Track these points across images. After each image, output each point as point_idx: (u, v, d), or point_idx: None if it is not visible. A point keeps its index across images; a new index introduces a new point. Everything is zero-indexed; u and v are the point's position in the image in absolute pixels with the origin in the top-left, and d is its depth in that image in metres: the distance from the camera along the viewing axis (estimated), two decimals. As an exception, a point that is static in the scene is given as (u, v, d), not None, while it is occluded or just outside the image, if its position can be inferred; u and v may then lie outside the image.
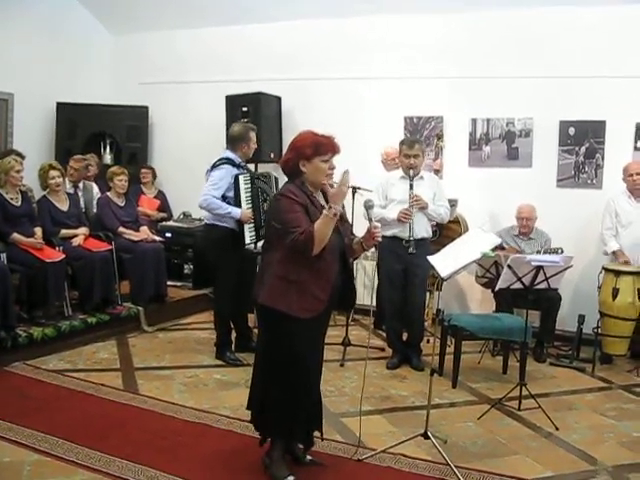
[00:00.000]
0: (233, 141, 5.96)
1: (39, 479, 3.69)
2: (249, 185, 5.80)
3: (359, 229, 3.77)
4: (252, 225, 5.78)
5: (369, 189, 6.24)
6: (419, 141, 6.14)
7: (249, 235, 5.79)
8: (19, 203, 6.22)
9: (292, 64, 8.26)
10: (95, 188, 7.69)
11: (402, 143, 6.10)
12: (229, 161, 5.84)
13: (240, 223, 5.76)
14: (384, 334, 6.58)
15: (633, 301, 6.09)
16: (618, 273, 6.16)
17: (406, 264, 5.86)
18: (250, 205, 5.76)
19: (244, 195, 5.76)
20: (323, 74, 8.14)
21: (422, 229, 5.89)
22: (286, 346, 3.59)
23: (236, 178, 5.76)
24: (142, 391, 5.19)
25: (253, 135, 5.99)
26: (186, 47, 8.98)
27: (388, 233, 5.78)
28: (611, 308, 6.17)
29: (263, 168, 7.63)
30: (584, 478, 3.96)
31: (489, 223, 7.13)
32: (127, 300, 7.07)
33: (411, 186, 5.80)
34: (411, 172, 5.82)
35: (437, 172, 7.01)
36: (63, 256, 6.24)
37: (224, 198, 5.75)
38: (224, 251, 5.84)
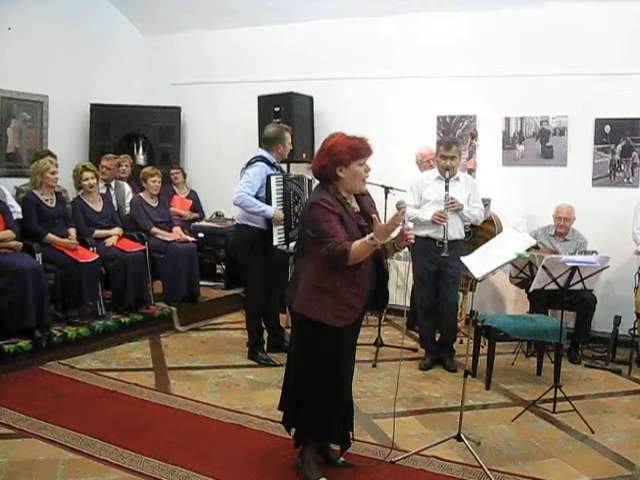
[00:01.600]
0: (268, 141, 5.94)
1: (73, 478, 3.72)
2: (281, 186, 5.78)
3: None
4: (282, 226, 5.76)
5: (402, 189, 6.20)
6: (457, 142, 6.07)
7: (278, 236, 5.76)
8: (54, 204, 6.29)
9: (323, 64, 8.26)
10: (127, 187, 7.75)
11: (439, 144, 6.06)
12: (264, 160, 5.83)
13: (270, 223, 5.74)
14: (417, 335, 6.54)
15: (670, 302, 5.99)
16: (655, 274, 6.06)
17: (439, 265, 5.81)
18: (281, 206, 5.75)
19: (275, 196, 5.74)
20: (354, 74, 8.12)
21: (455, 231, 5.84)
22: (321, 353, 3.58)
23: (268, 178, 5.74)
24: (174, 391, 5.21)
25: (288, 136, 5.98)
26: (217, 48, 9.03)
27: (422, 234, 5.76)
28: (648, 309, 6.07)
29: (295, 168, 7.66)
30: (621, 483, 3.90)
31: (524, 223, 7.04)
32: (160, 300, 7.12)
33: (447, 187, 5.74)
34: (447, 173, 5.77)
35: (471, 171, 6.94)
36: (97, 256, 6.30)
37: (256, 197, 5.74)
38: (255, 251, 5.85)
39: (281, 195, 5.77)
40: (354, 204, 3.66)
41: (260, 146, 6.08)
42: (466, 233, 6.12)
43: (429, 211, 5.76)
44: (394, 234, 3.42)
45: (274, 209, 5.70)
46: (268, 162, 5.84)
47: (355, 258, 3.37)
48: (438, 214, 5.69)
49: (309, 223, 3.53)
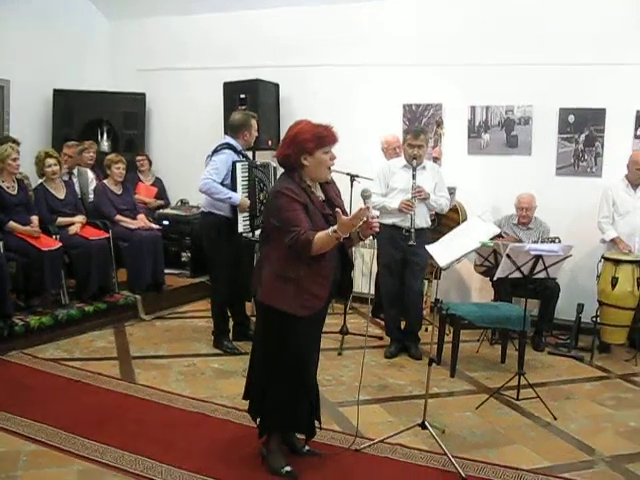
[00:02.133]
0: (234, 128, 5.89)
1: (35, 469, 3.68)
2: (247, 173, 5.75)
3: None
4: (247, 213, 5.73)
5: (368, 177, 6.20)
6: (424, 131, 6.06)
7: (243, 223, 5.73)
8: (15, 191, 6.19)
9: (290, 51, 8.20)
10: (90, 174, 7.63)
11: (407, 132, 6.08)
12: (230, 147, 5.79)
13: (235, 211, 5.71)
14: (382, 323, 6.57)
15: (632, 290, 6.07)
16: (617, 262, 6.13)
17: (405, 253, 5.83)
18: (246, 193, 5.72)
19: (241, 183, 5.71)
20: (321, 61, 8.08)
21: (422, 219, 5.86)
22: (285, 342, 3.56)
23: (234, 165, 5.70)
24: (139, 380, 5.17)
25: (254, 123, 5.94)
26: (184, 33, 8.92)
27: (388, 222, 5.77)
28: (610, 297, 6.15)
29: (261, 155, 7.61)
30: (582, 468, 3.95)
31: (489, 212, 7.08)
32: (124, 288, 7.05)
33: (414, 176, 5.75)
34: (414, 162, 5.77)
35: (436, 160, 6.95)
36: (60, 244, 6.22)
37: (222, 185, 5.69)
38: (220, 239, 5.80)
39: (247, 182, 5.74)
40: (319, 192, 3.64)
41: (226, 133, 6.03)
42: (431, 221, 6.14)
43: (396, 199, 5.77)
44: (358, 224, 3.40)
45: (240, 196, 5.67)
46: (234, 149, 5.80)
47: (318, 249, 3.36)
48: (405, 202, 5.70)
49: (273, 212, 3.50)
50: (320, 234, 3.34)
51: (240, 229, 5.73)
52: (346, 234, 3.35)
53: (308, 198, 3.50)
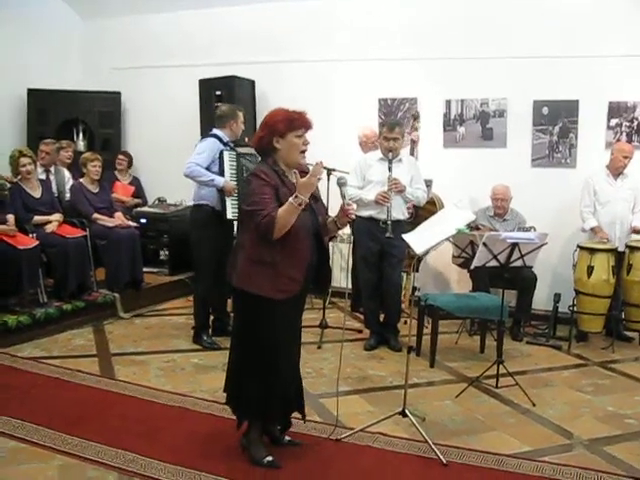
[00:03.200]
0: (221, 119, 5.95)
1: (15, 465, 3.65)
2: (234, 162, 5.80)
3: (334, 211, 3.75)
4: (235, 201, 5.72)
5: (345, 171, 6.20)
6: (400, 124, 6.10)
7: (231, 209, 5.73)
8: (-11, 191, 6.14)
9: (266, 47, 8.21)
10: (67, 173, 7.58)
11: (382, 125, 6.13)
12: (215, 136, 5.85)
13: (223, 199, 5.72)
14: (362, 316, 6.59)
15: (607, 278, 6.15)
16: (593, 251, 6.20)
17: (382, 244, 5.85)
18: (235, 181, 5.74)
19: (229, 171, 5.75)
20: (297, 57, 8.09)
21: (398, 211, 5.88)
22: (261, 328, 3.58)
23: (221, 153, 5.75)
24: (119, 376, 5.15)
25: (241, 114, 6.01)
26: (158, 31, 8.88)
27: (365, 214, 5.80)
28: (586, 286, 6.22)
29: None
30: (561, 452, 4.00)
31: (466, 200, 7.11)
32: (103, 287, 7.00)
33: (390, 169, 5.77)
34: (390, 154, 5.80)
35: (414, 143, 6.91)
36: (37, 243, 6.17)
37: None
38: (207, 231, 5.82)
39: (235, 171, 5.78)
40: (294, 180, 3.64)
41: (215, 126, 6.05)
42: (409, 214, 6.17)
43: (372, 192, 5.80)
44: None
45: (224, 179, 5.68)
46: (220, 139, 5.84)
47: (282, 224, 3.36)
48: (381, 194, 5.72)
49: (245, 196, 3.54)
50: (281, 209, 3.37)
51: (229, 215, 5.71)
52: (306, 196, 3.35)
53: (280, 181, 3.52)
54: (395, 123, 6.02)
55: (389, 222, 5.67)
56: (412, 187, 5.95)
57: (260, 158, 5.87)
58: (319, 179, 3.42)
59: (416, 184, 6.01)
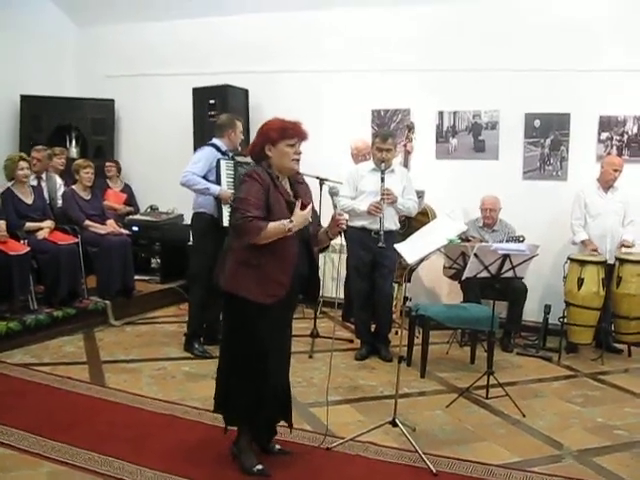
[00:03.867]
0: (219, 128, 6.00)
1: (4, 472, 3.63)
2: (232, 171, 5.83)
3: (326, 221, 3.78)
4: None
5: (338, 182, 6.22)
6: (393, 135, 6.13)
7: (228, 218, 5.70)
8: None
9: (260, 57, 8.23)
10: (59, 180, 7.57)
11: (375, 136, 6.15)
12: (213, 145, 5.89)
13: (220, 206, 5.74)
14: (353, 326, 6.60)
15: (598, 291, 6.18)
16: (583, 263, 6.23)
17: (374, 255, 5.86)
18: (232, 190, 5.73)
19: (226, 180, 5.77)
20: (291, 67, 8.12)
21: (390, 222, 5.90)
22: (248, 332, 3.59)
23: (218, 162, 5.79)
24: (109, 384, 5.14)
25: (239, 124, 6.05)
26: (153, 40, 8.89)
27: (357, 224, 5.82)
28: (576, 298, 6.24)
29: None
30: (551, 462, 4.01)
31: (458, 211, 7.13)
32: (94, 294, 6.99)
33: (382, 179, 5.79)
34: (382, 165, 5.82)
35: (408, 154, 6.92)
36: (28, 249, 6.16)
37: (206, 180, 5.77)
38: (205, 239, 5.84)
39: (232, 179, 5.80)
40: (286, 186, 3.69)
41: (214, 136, 6.07)
42: (401, 225, 6.19)
43: (365, 202, 5.82)
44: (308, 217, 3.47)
45: (220, 187, 5.71)
46: (217, 148, 5.88)
47: (267, 237, 3.43)
48: (374, 205, 5.74)
49: (236, 193, 3.59)
50: (274, 223, 3.44)
51: (225, 223, 5.66)
52: (298, 227, 3.45)
53: (272, 182, 3.56)
54: (388, 134, 6.05)
55: (381, 232, 5.68)
56: (404, 197, 5.97)
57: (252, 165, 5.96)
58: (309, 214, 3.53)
59: (408, 195, 6.03)
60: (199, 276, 5.94)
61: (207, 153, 5.83)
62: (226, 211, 5.71)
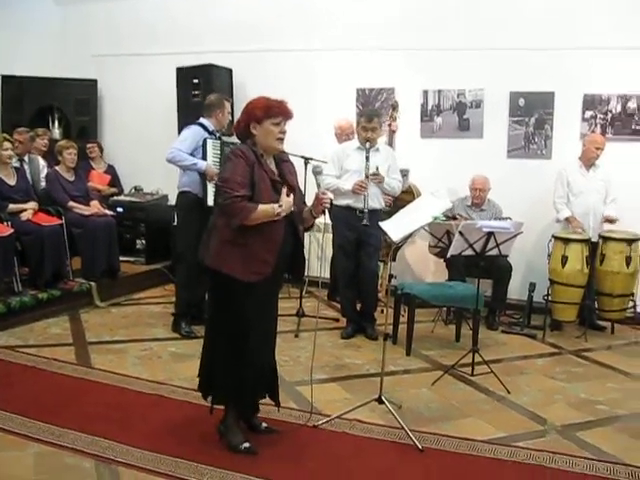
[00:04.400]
0: (207, 108, 5.98)
1: (-10, 453, 3.64)
2: (218, 150, 5.81)
3: (310, 200, 3.79)
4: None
5: (323, 160, 6.23)
6: (378, 114, 6.11)
7: (213, 197, 5.68)
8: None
9: (244, 36, 8.17)
10: (41, 161, 7.49)
11: (360, 115, 6.15)
12: (200, 125, 5.87)
13: (205, 185, 5.72)
14: (339, 305, 6.61)
15: (581, 268, 6.23)
16: (567, 241, 6.27)
17: (359, 233, 5.87)
18: (218, 169, 5.68)
19: (212, 159, 5.75)
20: (275, 46, 8.07)
21: (375, 200, 5.91)
22: (233, 311, 3.60)
23: (204, 141, 5.76)
24: (95, 365, 5.13)
25: (227, 105, 6.04)
26: (135, 19, 8.83)
27: (342, 203, 5.83)
28: (560, 275, 6.29)
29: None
30: (535, 437, 4.06)
31: (443, 191, 7.13)
32: (79, 275, 6.96)
33: (367, 158, 5.78)
34: (368, 144, 5.81)
35: (393, 133, 6.91)
36: (12, 231, 6.11)
37: None
38: (190, 218, 5.81)
39: (218, 159, 5.78)
40: (272, 166, 3.69)
41: (203, 115, 6.04)
42: (387, 206, 6.19)
43: (350, 181, 5.81)
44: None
45: (206, 163, 5.69)
46: (204, 127, 5.86)
47: (255, 219, 3.45)
48: (358, 183, 5.74)
49: (221, 172, 3.58)
50: (264, 206, 3.45)
51: (210, 202, 5.64)
52: (284, 213, 3.48)
53: (257, 161, 3.56)
54: (374, 113, 6.03)
55: (365, 210, 5.69)
56: (389, 176, 5.97)
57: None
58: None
59: (392, 174, 6.04)
60: (184, 256, 5.93)
61: (194, 132, 5.81)
62: (211, 189, 5.68)
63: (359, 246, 5.97)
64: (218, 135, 6.00)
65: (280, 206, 3.44)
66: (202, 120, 5.93)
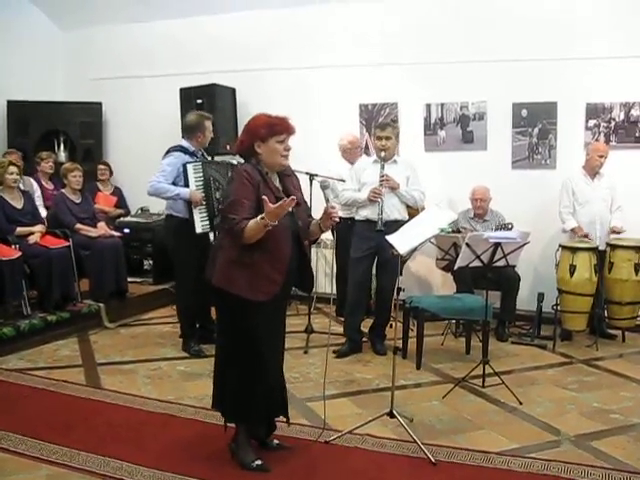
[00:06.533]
0: (188, 130, 5.89)
1: (2, 476, 3.61)
2: (200, 173, 5.68)
3: (317, 214, 3.78)
4: (204, 213, 5.65)
5: (330, 177, 6.27)
6: (391, 124, 6.12)
7: (201, 222, 5.63)
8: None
9: (246, 55, 8.22)
10: (34, 184, 7.51)
11: (374, 127, 6.22)
12: (182, 149, 5.80)
13: (191, 212, 5.63)
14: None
15: (590, 277, 6.20)
16: (574, 250, 6.25)
17: (377, 248, 5.74)
18: (202, 193, 5.65)
19: (194, 183, 5.62)
20: (277, 64, 8.11)
21: (394, 210, 5.83)
22: (241, 329, 3.58)
23: (184, 167, 5.66)
24: (105, 385, 5.13)
25: (209, 124, 5.92)
26: (138, 41, 8.89)
27: (361, 216, 5.86)
28: (569, 284, 6.26)
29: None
30: (549, 448, 4.03)
31: (445, 202, 7.13)
32: (87, 297, 6.97)
33: (382, 166, 5.78)
34: (383, 154, 5.80)
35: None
36: (19, 254, 6.13)
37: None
38: (181, 241, 5.78)
39: (201, 182, 5.67)
40: (276, 182, 3.68)
41: (183, 136, 6.02)
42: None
43: (366, 192, 5.78)
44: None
45: (189, 190, 5.60)
46: (186, 151, 5.80)
47: (250, 237, 3.40)
48: (373, 190, 5.71)
49: (226, 194, 3.56)
50: (250, 222, 3.39)
51: (198, 229, 5.62)
52: (274, 222, 3.35)
53: (262, 179, 3.54)
54: (386, 123, 6.10)
55: (381, 216, 5.64)
56: (409, 187, 5.94)
57: (224, 164, 5.93)
58: (287, 210, 3.40)
59: (413, 185, 5.98)
60: (181, 277, 5.97)
61: (174, 160, 5.73)
62: (198, 216, 5.63)
63: (376, 260, 5.94)
64: (200, 154, 5.96)
65: (262, 218, 3.33)
66: (183, 143, 5.86)
